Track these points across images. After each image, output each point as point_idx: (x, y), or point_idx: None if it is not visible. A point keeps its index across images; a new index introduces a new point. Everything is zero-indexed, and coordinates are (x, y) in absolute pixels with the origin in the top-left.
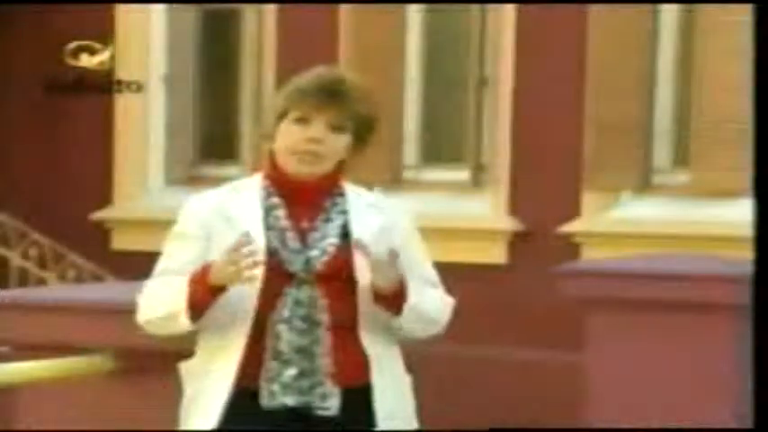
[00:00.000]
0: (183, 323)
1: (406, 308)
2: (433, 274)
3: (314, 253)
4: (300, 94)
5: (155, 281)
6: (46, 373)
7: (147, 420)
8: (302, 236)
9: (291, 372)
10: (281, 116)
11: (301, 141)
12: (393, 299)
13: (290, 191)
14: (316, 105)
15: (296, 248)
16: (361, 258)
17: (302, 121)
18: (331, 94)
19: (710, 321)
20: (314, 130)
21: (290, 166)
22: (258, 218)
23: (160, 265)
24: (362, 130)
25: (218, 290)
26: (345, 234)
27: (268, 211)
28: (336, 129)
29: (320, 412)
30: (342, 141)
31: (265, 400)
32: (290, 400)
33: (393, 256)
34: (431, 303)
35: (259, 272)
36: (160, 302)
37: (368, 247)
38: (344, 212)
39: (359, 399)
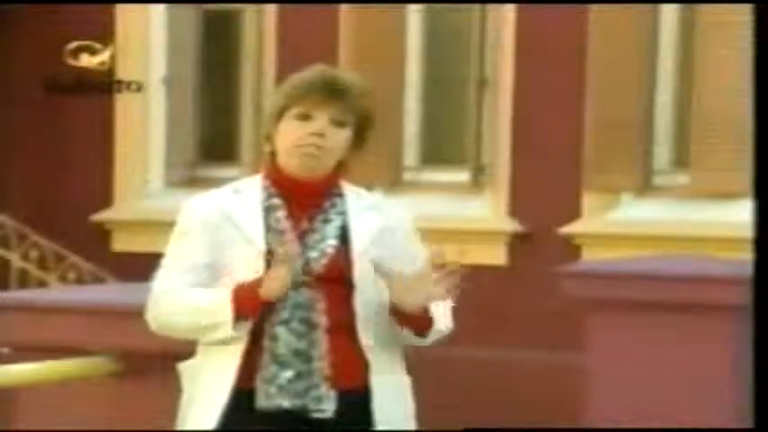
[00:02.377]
0: (227, 333)
1: (433, 332)
2: None
3: (313, 255)
4: (301, 90)
5: (169, 283)
6: (47, 375)
7: (146, 421)
8: (301, 237)
9: (288, 374)
10: (280, 114)
11: (304, 136)
12: (418, 320)
13: (290, 191)
14: (318, 101)
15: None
16: (362, 262)
17: (304, 117)
18: (332, 90)
19: (711, 322)
20: (317, 125)
21: (293, 162)
22: (258, 219)
23: (166, 265)
24: (363, 126)
25: (268, 302)
26: (344, 235)
27: (268, 211)
28: (338, 124)
29: (316, 415)
30: (343, 136)
31: (261, 402)
32: (285, 402)
33: (377, 267)
34: (442, 318)
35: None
36: (195, 311)
37: (389, 269)
38: (343, 213)
39: (356, 401)
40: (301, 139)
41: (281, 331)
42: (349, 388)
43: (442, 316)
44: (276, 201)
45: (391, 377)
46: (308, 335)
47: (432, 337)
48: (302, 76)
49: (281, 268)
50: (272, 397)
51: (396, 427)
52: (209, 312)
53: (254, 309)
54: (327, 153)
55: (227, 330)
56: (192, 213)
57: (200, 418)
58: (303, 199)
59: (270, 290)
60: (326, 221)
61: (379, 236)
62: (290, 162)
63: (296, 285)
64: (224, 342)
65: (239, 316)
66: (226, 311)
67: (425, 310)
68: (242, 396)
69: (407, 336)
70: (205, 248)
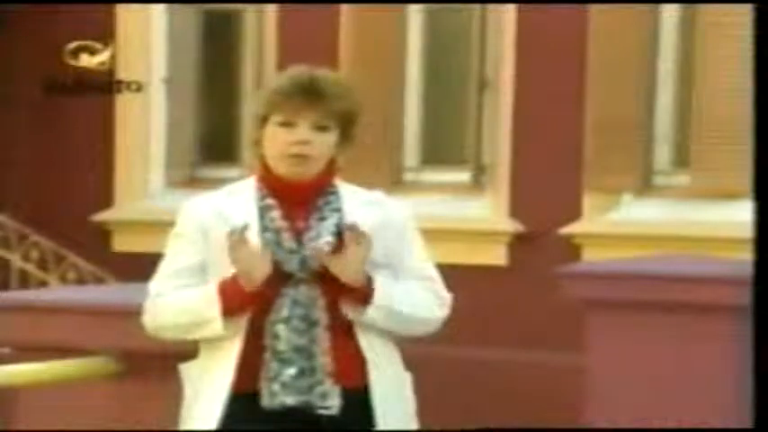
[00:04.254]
0: (217, 329)
1: (371, 307)
2: (430, 271)
3: (309, 252)
4: (280, 97)
5: (163, 285)
6: (47, 375)
7: (146, 421)
8: (297, 235)
9: (291, 371)
10: (264, 120)
11: (289, 145)
12: (357, 294)
13: (284, 192)
14: (298, 107)
15: (292, 248)
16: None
17: (286, 124)
18: (312, 95)
19: (711, 322)
20: (300, 133)
21: (282, 168)
22: (253, 219)
23: (162, 268)
24: (347, 126)
25: (256, 294)
26: (339, 232)
27: (263, 212)
28: (321, 128)
29: (321, 411)
30: (328, 140)
31: (266, 400)
32: (290, 400)
33: (354, 230)
34: (414, 304)
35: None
36: (185, 310)
37: (361, 230)
38: (338, 210)
39: (359, 398)
40: (286, 148)
41: (281, 329)
42: (352, 384)
43: (414, 302)
44: (270, 201)
45: (391, 374)
46: (308, 332)
47: (376, 313)
48: (279, 81)
49: (258, 257)
50: (276, 395)
51: (397, 423)
52: (197, 311)
53: (241, 302)
54: (314, 158)
55: (217, 326)
56: (187, 216)
57: (204, 418)
58: (297, 198)
59: (250, 279)
60: (322, 219)
61: (375, 231)
62: (278, 167)
63: (295, 283)
64: (224, 341)
65: (228, 311)
66: (214, 308)
67: (369, 281)
68: (245, 396)
69: (353, 309)
70: (200, 251)
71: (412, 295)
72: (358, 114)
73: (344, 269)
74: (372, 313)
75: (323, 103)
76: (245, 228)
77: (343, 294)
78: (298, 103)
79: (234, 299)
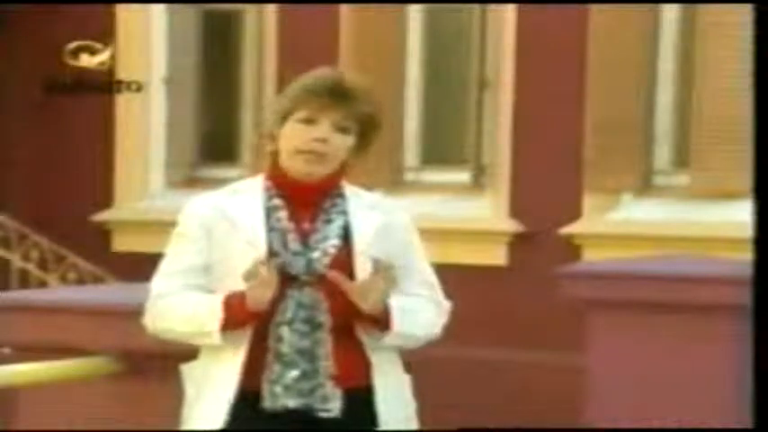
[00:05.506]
0: (215, 341)
1: (389, 334)
2: (430, 277)
3: (315, 255)
4: (307, 94)
5: (164, 285)
6: (47, 375)
7: (146, 421)
8: (303, 237)
9: (293, 373)
10: (286, 116)
11: (307, 141)
12: (376, 321)
13: (292, 192)
14: (322, 106)
15: (297, 250)
16: (364, 260)
17: (308, 121)
18: (337, 96)
19: (711, 322)
20: (319, 131)
21: (296, 165)
22: (259, 219)
23: (164, 267)
24: (366, 132)
25: (259, 312)
26: (345, 235)
27: (269, 212)
28: (341, 129)
29: (322, 414)
30: (346, 142)
31: (267, 402)
32: (291, 402)
33: (380, 268)
34: (420, 323)
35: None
36: (187, 318)
37: (390, 267)
38: (344, 213)
39: (360, 400)
40: (304, 144)
41: (284, 331)
42: (353, 387)
43: (423, 323)
44: (278, 201)
45: (393, 376)
46: (311, 334)
47: (392, 340)
48: (308, 79)
49: (264, 278)
50: (277, 397)
51: (399, 425)
52: (198, 322)
53: (242, 319)
54: (329, 158)
55: (215, 339)
56: (190, 215)
57: (207, 418)
58: (305, 199)
59: (256, 300)
60: (328, 221)
61: (378, 234)
62: (291, 164)
63: (299, 285)
64: (228, 343)
65: (229, 326)
66: (215, 322)
67: (385, 311)
68: (247, 397)
69: (368, 334)
70: (202, 250)
71: (419, 315)
72: (379, 122)
73: (365, 298)
74: (388, 341)
75: (347, 105)
76: (259, 263)
77: (358, 319)
78: (322, 102)
79: (238, 315)
